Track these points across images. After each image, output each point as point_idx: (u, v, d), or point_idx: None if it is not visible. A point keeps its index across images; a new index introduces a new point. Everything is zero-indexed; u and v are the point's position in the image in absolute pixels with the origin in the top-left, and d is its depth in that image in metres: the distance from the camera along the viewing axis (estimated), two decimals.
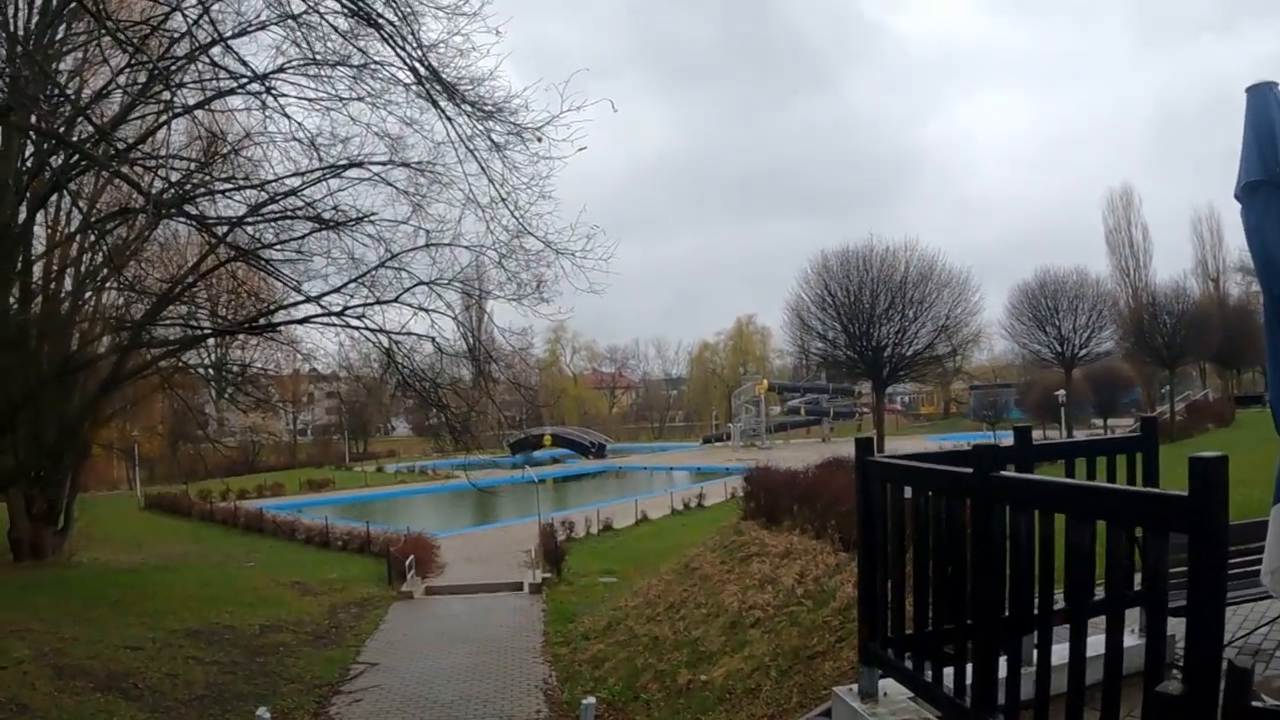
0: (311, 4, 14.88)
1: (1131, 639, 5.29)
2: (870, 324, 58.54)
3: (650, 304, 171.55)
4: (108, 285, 25.95)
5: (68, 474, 34.90)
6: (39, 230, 25.59)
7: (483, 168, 17.29)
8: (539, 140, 16.97)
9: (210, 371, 29.11)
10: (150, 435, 52.34)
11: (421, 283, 20.19)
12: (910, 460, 6.70)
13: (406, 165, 19.42)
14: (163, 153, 21.02)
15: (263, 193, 19.58)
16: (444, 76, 15.93)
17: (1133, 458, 7.45)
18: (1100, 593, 5.09)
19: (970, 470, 5.30)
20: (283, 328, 22.76)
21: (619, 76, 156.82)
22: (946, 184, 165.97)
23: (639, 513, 45.32)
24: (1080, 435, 56.07)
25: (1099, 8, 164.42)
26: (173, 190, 19.13)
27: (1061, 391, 64.18)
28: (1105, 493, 4.69)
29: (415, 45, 15.36)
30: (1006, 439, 8.09)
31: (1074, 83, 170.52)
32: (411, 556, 33.62)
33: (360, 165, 19.36)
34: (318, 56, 16.61)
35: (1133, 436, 7.82)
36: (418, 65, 15.55)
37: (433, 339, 20.77)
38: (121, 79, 19.85)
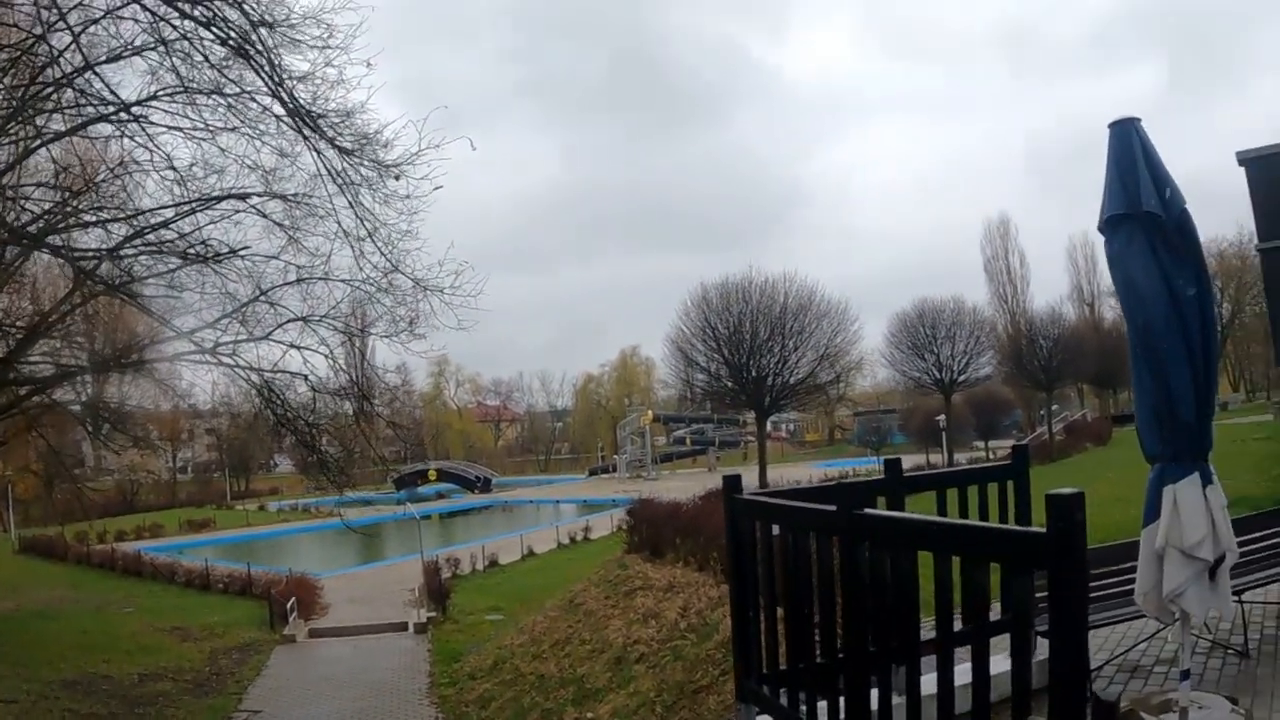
0: (183, 31, 14.71)
1: (1002, 663, 5.38)
2: (751, 354, 58.99)
3: (537, 337, 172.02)
4: None
5: None
6: None
7: (351, 203, 17.29)
8: (397, 178, 17.01)
9: (84, 409, 28.41)
10: (24, 475, 50.95)
11: (295, 319, 20.08)
12: (777, 498, 6.97)
13: (282, 198, 19.27)
14: (28, 181, 20.52)
15: (132, 224, 19.29)
16: (311, 110, 15.87)
17: (1004, 486, 7.75)
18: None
19: (835, 509, 5.39)
20: (158, 364, 22.35)
21: (508, 111, 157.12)
22: (830, 218, 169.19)
23: (525, 547, 45.16)
24: (962, 458, 57.40)
25: (970, 51, 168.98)
26: (41, 221, 18.77)
27: (942, 416, 65.47)
28: (967, 531, 4.82)
29: (284, 77, 15.26)
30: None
31: (949, 122, 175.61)
32: (294, 598, 33.07)
33: (236, 197, 19.19)
34: (190, 85, 16.42)
35: (1004, 465, 8.11)
36: (285, 96, 15.46)
37: (305, 376, 20.63)
38: None
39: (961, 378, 68.64)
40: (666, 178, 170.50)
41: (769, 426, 71.92)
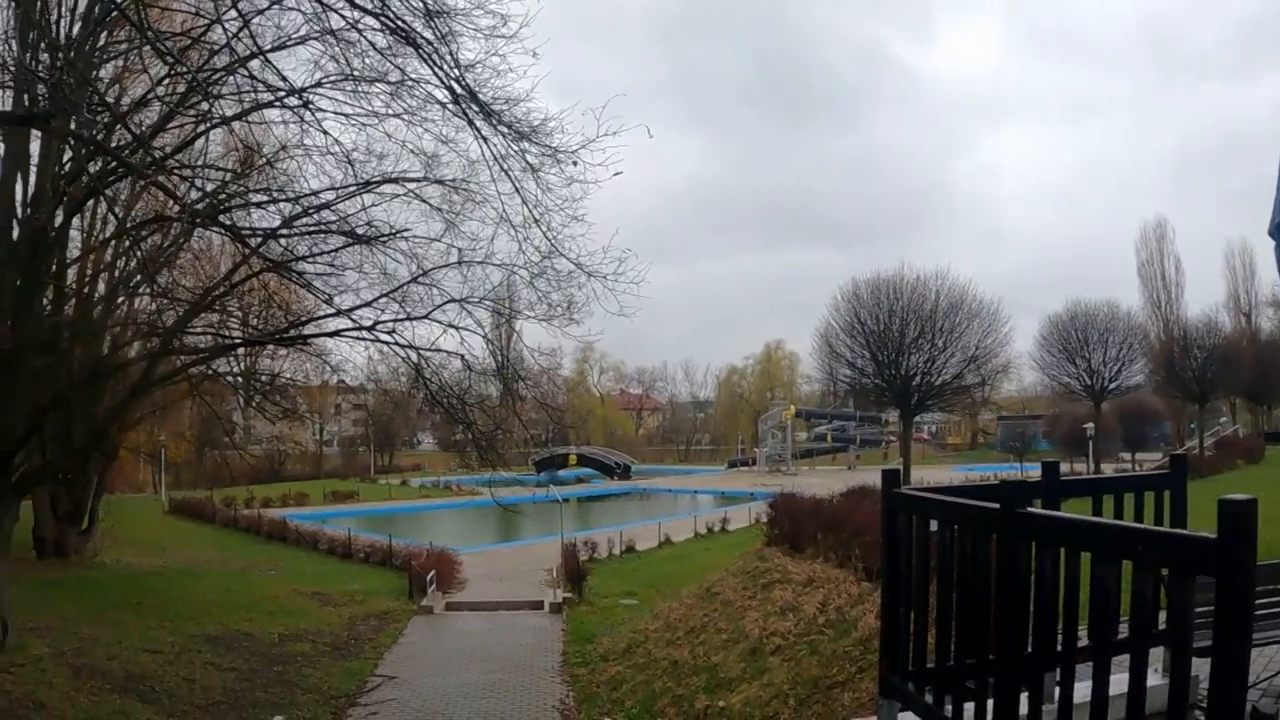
0: (350, 21, 14.93)
1: (1155, 679, 5.20)
2: (899, 353, 58.23)
3: (679, 327, 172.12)
4: (141, 291, 26.07)
5: (94, 475, 35.13)
6: (75, 234, 25.76)
7: (516, 188, 17.31)
8: (574, 164, 17.01)
9: (239, 380, 29.19)
10: (178, 441, 52.60)
11: (452, 300, 20.20)
12: (937, 494, 6.65)
13: (441, 183, 19.44)
14: (199, 163, 21.12)
15: (297, 206, 19.68)
16: (480, 96, 15.97)
17: (1161, 495, 7.41)
18: (1125, 630, 5.02)
19: (996, 505, 5.26)
20: (313, 340, 22.79)
21: (651, 106, 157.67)
22: (975, 217, 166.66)
23: (662, 535, 45.21)
24: (1108, 469, 55.73)
25: (1113, 52, 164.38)
26: (208, 200, 19.27)
27: (1090, 425, 63.72)
28: (1132, 533, 4.61)
29: (452, 64, 15.40)
30: (1034, 471, 8.08)
31: (1096, 120, 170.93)
32: (433, 571, 33.62)
33: (395, 181, 19.40)
34: (355, 72, 16.68)
35: (1161, 474, 7.75)
36: (454, 84, 15.60)
37: (461, 356, 20.79)
38: (161, 89, 19.93)
39: (1112, 385, 66.86)
40: (806, 174, 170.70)
41: (913, 427, 70.87)
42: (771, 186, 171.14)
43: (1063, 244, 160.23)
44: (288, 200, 20.03)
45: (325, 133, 17.22)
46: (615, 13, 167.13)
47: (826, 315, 63.41)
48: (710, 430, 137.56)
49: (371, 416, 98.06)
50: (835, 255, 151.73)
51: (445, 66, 15.34)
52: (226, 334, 23.41)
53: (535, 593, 33.31)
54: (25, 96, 17.20)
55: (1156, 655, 6.07)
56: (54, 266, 22.40)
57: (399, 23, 14.53)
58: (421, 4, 14.48)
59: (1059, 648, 4.84)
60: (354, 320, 20.31)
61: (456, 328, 20.39)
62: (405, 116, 17.76)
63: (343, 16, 14.92)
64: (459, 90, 15.65)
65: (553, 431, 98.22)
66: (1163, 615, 4.39)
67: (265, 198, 20.31)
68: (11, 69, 16.98)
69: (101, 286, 28.24)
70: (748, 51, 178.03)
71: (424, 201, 19.79)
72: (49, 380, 21.09)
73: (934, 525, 6.09)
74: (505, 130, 16.54)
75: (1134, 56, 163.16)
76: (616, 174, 16.77)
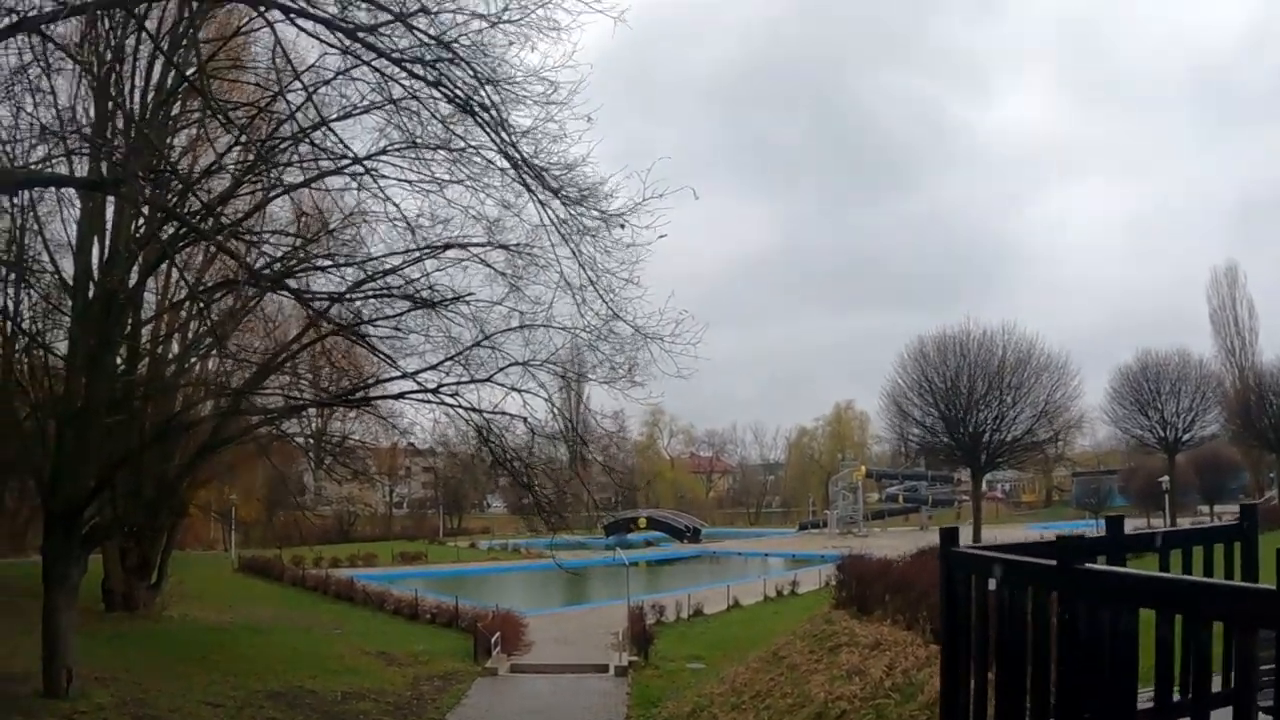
0: (410, 90, 15.21)
1: None
2: (967, 410, 57.69)
3: (748, 390, 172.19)
4: (211, 353, 26.52)
5: (164, 531, 35.65)
6: (149, 296, 26.24)
7: (574, 251, 17.43)
8: (622, 226, 17.13)
9: (309, 441, 29.51)
10: (248, 500, 53.32)
11: (516, 363, 20.32)
12: (994, 551, 6.64)
13: (504, 247, 19.67)
14: (268, 228, 21.59)
15: (363, 270, 19.99)
16: (534, 162, 16.15)
17: (1230, 548, 7.31)
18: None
19: (1054, 562, 5.17)
20: (379, 402, 23.04)
21: (715, 172, 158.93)
22: (1039, 272, 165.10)
23: (731, 598, 44.86)
24: (1185, 523, 54.59)
25: (1167, 100, 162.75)
26: (276, 265, 19.63)
27: (1165, 478, 62.31)
28: (1192, 587, 4.52)
29: (509, 131, 15.59)
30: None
31: (1158, 168, 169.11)
32: (498, 633, 33.58)
33: (460, 246, 19.67)
34: (418, 140, 16.96)
35: (1231, 526, 7.66)
36: (510, 151, 15.79)
37: (525, 419, 20.86)
38: (230, 156, 20.45)
39: (1186, 436, 65.67)
40: (872, 235, 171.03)
41: (983, 486, 70.04)
42: (838, 248, 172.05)
43: (1130, 295, 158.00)
44: (353, 265, 20.39)
45: (388, 199, 17.50)
46: (678, 82, 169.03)
47: (893, 374, 63.10)
48: (781, 492, 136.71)
49: (440, 479, 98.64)
50: (904, 314, 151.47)
51: (502, 133, 15.53)
52: (295, 395, 23.73)
53: (601, 656, 33.10)
54: (101, 164, 17.71)
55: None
56: (128, 326, 22.81)
57: (455, 91, 14.74)
58: (473, 71, 14.69)
59: (1121, 709, 4.65)
60: (419, 383, 20.52)
61: (520, 391, 20.51)
62: (467, 182, 18.03)
63: (402, 86, 15.19)
64: (515, 156, 15.84)
65: (622, 495, 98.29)
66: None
67: (330, 263, 20.68)
68: (87, 137, 17.50)
69: (175, 346, 28.72)
70: (809, 116, 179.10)
71: (488, 266, 20.02)
72: (120, 437, 21.47)
73: (993, 584, 5.96)
74: (558, 196, 16.70)
75: (1189, 104, 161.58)
76: (661, 236, 16.96)
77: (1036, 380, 58.60)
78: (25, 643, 20.50)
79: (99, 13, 15.40)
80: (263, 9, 13.98)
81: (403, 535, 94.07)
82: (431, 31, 14.28)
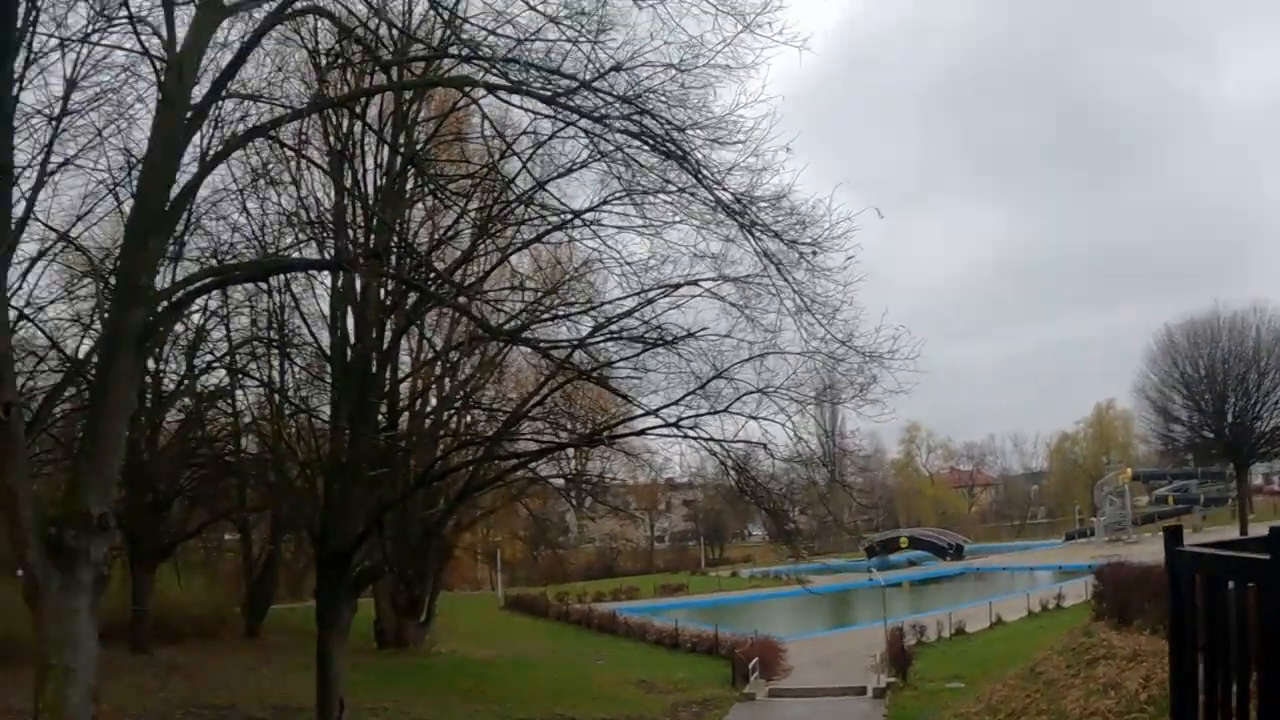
0: (616, 144, 16.09)
1: None
2: (1222, 400, 54.79)
3: (1003, 397, 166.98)
4: (462, 405, 28.13)
5: (431, 573, 37.63)
6: (403, 356, 28.03)
7: (788, 281, 17.98)
8: (814, 253, 17.60)
9: (566, 482, 30.78)
10: (511, 541, 55.33)
11: (752, 391, 20.91)
12: (1226, 549, 6.22)
13: (731, 280, 20.22)
14: (505, 283, 22.92)
15: (594, 316, 21.01)
16: (740, 198, 16.79)
17: None
18: None
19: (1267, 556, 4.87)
20: (625, 439, 23.95)
21: (943, 179, 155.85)
22: None
23: (993, 615, 44.10)
24: None
25: None
26: (517, 318, 20.91)
27: None
28: None
29: (709, 171, 16.28)
30: None
31: None
32: (756, 659, 34.10)
33: (687, 284, 20.42)
34: (633, 188, 17.85)
35: None
36: (717, 191, 16.48)
37: (763, 445, 21.43)
38: (464, 221, 21.90)
39: None
40: (1113, 225, 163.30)
41: (1261, 479, 66.37)
42: (1077, 243, 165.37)
43: None
44: (588, 311, 21.47)
45: (609, 249, 18.48)
46: (898, 89, 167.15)
47: (1144, 369, 60.64)
48: (1045, 502, 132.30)
49: (699, 511, 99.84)
50: (1159, 303, 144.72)
51: (703, 173, 16.24)
52: (542, 439, 24.95)
53: (859, 678, 33.17)
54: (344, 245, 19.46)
55: None
56: (385, 386, 24.48)
57: (656, 140, 15.55)
58: (666, 122, 15.46)
59: None
60: (660, 418, 21.33)
61: (756, 418, 21.06)
62: (688, 222, 18.82)
63: (608, 141, 16.11)
64: (715, 195, 16.53)
65: (883, 515, 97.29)
66: None
67: (567, 312, 21.86)
68: (327, 224, 19.28)
69: (432, 400, 30.48)
70: (1036, 109, 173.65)
71: (721, 299, 20.68)
72: (384, 487, 23.09)
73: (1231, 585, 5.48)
74: (752, 230, 17.29)
75: None
76: (849, 258, 17.34)
77: None
78: (303, 677, 22.25)
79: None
80: (467, 89, 15.22)
81: (665, 568, 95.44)
82: (626, 84, 15.23)
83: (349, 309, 22.75)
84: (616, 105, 15.17)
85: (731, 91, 16.54)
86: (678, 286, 20.40)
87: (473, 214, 20.71)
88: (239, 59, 14.27)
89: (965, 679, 31.00)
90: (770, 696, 31.62)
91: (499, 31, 14.61)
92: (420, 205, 24.47)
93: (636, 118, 15.45)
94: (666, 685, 32.11)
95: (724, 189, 16.43)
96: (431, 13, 18.26)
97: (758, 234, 17.08)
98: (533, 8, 14.44)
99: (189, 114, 13.54)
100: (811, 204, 18.04)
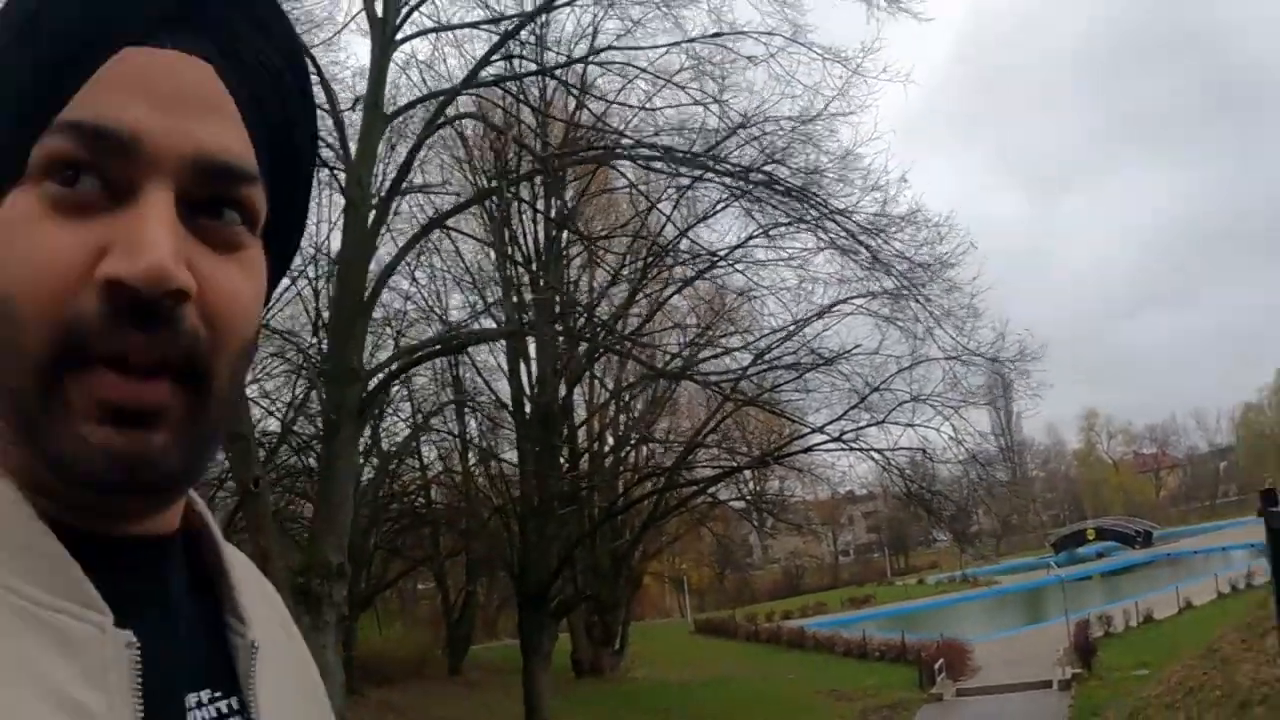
0: (747, 191, 17.73)
1: None
2: None
3: (1182, 374, 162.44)
4: (638, 441, 29.90)
5: (623, 603, 39.40)
6: (580, 402, 29.94)
7: (918, 298, 19.37)
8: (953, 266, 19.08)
9: (747, 504, 32.10)
10: (698, 566, 56.74)
11: (908, 400, 22.23)
12: None
13: (880, 295, 21.62)
14: (664, 325, 24.72)
15: (751, 348, 22.70)
16: (867, 228, 18.26)
17: None
18: None
19: None
20: (797, 457, 25.33)
21: (1104, 153, 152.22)
22: None
23: (1181, 600, 43.93)
24: None
25: None
26: (680, 356, 22.68)
27: None
28: None
29: (826, 206, 17.84)
30: None
31: None
32: (941, 660, 34.87)
33: (841, 303, 21.92)
34: (769, 226, 19.51)
35: None
36: (842, 221, 18.00)
37: (922, 450, 22.74)
38: (623, 272, 23.82)
39: None
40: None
41: None
42: (1249, 202, 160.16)
43: None
44: (744, 347, 23.17)
45: (753, 282, 20.16)
46: (1044, 70, 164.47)
47: None
48: (1235, 478, 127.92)
49: (881, 522, 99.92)
50: None
51: (826, 207, 17.81)
52: (719, 464, 26.53)
53: (1046, 673, 33.66)
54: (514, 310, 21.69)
55: None
56: (565, 431, 26.42)
57: (788, 187, 17.18)
58: (801, 168, 17.14)
59: None
60: (826, 434, 22.77)
61: (913, 425, 22.35)
62: (829, 249, 20.34)
63: (740, 188, 17.78)
64: (840, 232, 18.05)
65: (1068, 508, 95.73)
66: None
67: (723, 348, 23.61)
68: (500, 301, 21.48)
69: (610, 440, 32.30)
70: (1188, 70, 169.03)
71: (873, 315, 22.09)
72: (573, 524, 24.98)
73: None
74: (893, 256, 18.72)
75: None
76: (964, 251, 18.72)
77: None
78: (505, 706, 24.21)
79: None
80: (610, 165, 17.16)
81: (851, 581, 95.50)
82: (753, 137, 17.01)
83: (523, 363, 24.80)
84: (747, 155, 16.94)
85: (851, 129, 18.22)
86: (829, 308, 21.92)
87: (626, 266, 22.59)
88: (406, 166, 16.38)
89: (1150, 665, 31.22)
90: (957, 696, 32.36)
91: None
92: (578, 260, 26.49)
93: (767, 168, 17.11)
94: (856, 693, 33.10)
95: (852, 219, 18.00)
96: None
97: (885, 261, 18.59)
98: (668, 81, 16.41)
99: (372, 214, 15.55)
100: (943, 218, 19.58)
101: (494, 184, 20.39)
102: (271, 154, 0.83)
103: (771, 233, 19.89)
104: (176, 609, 0.85)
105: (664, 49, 17.10)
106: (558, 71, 17.58)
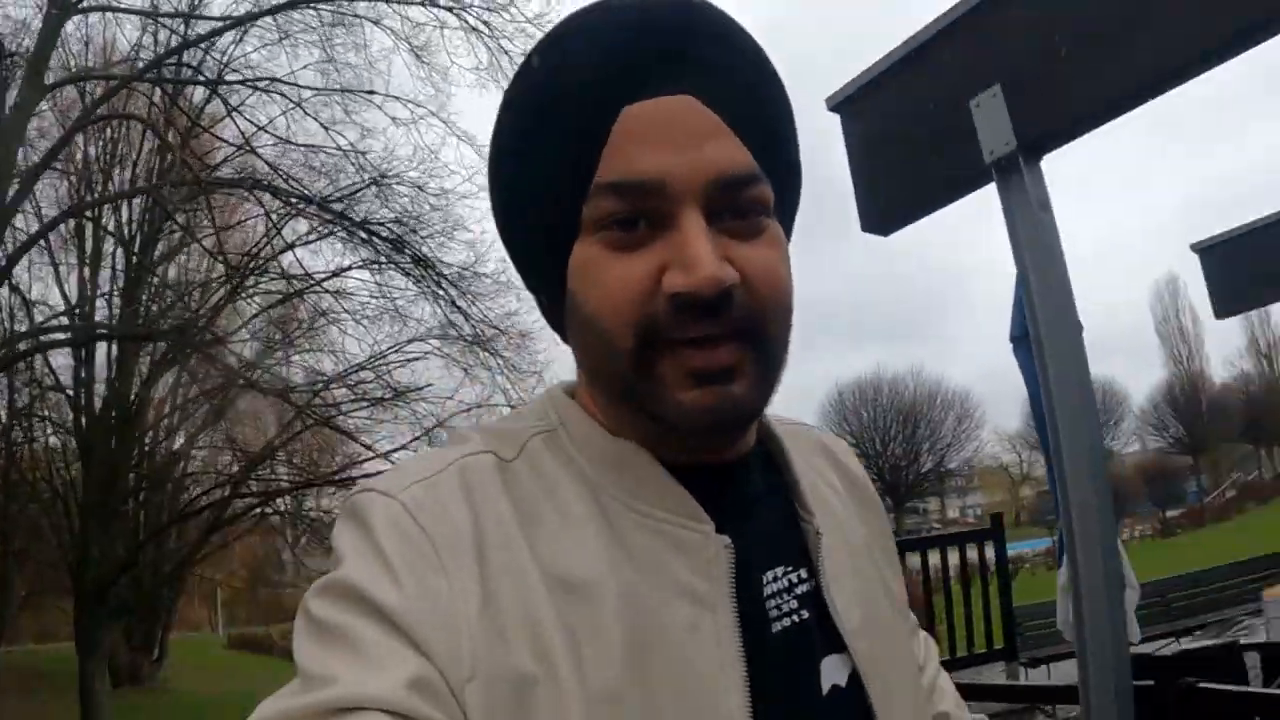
0: (346, 228, 18.95)
1: None
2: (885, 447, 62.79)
3: None
4: (206, 446, 29.58)
5: (164, 610, 38.30)
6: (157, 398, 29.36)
7: (490, 352, 21.43)
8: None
9: (284, 520, 32.05)
10: (230, 579, 55.14)
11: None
12: None
13: (443, 337, 23.04)
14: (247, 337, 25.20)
15: (318, 376, 23.81)
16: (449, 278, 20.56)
17: (982, 547, 9.77)
18: None
19: None
20: (357, 480, 26.07)
21: None
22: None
23: None
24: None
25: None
26: (255, 369, 23.24)
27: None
28: None
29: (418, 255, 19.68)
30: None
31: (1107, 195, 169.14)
32: None
33: (421, 340, 23.12)
34: (370, 261, 20.85)
35: (983, 530, 10.25)
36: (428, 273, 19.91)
37: None
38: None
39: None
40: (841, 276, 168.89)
41: None
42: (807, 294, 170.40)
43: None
44: (319, 372, 24.19)
45: (347, 313, 21.28)
46: None
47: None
48: None
49: None
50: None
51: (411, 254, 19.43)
52: (285, 480, 26.78)
53: None
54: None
55: None
56: (137, 430, 25.91)
57: (386, 228, 18.67)
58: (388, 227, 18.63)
59: None
60: (391, 462, 23.79)
61: None
62: (417, 288, 21.70)
63: (342, 228, 19.03)
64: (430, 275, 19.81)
65: None
66: None
67: (304, 364, 24.57)
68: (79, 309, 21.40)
69: (180, 442, 31.56)
70: None
71: (446, 357, 23.42)
72: (147, 522, 24.58)
73: None
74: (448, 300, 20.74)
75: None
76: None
77: (945, 418, 62.17)
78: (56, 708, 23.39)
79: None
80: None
81: None
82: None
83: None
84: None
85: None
86: (408, 343, 23.15)
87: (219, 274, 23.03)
88: (57, 147, 16.32)
89: None
90: None
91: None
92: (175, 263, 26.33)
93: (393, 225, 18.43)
94: None
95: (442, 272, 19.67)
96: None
97: (464, 310, 20.47)
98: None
99: (13, 189, 15.13)
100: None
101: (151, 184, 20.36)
102: (763, 145, 0.99)
103: (370, 268, 21.15)
104: (754, 509, 1.10)
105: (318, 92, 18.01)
106: (220, 88, 17.75)
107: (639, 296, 0.94)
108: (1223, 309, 7.44)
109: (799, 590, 1.09)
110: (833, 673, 1.08)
